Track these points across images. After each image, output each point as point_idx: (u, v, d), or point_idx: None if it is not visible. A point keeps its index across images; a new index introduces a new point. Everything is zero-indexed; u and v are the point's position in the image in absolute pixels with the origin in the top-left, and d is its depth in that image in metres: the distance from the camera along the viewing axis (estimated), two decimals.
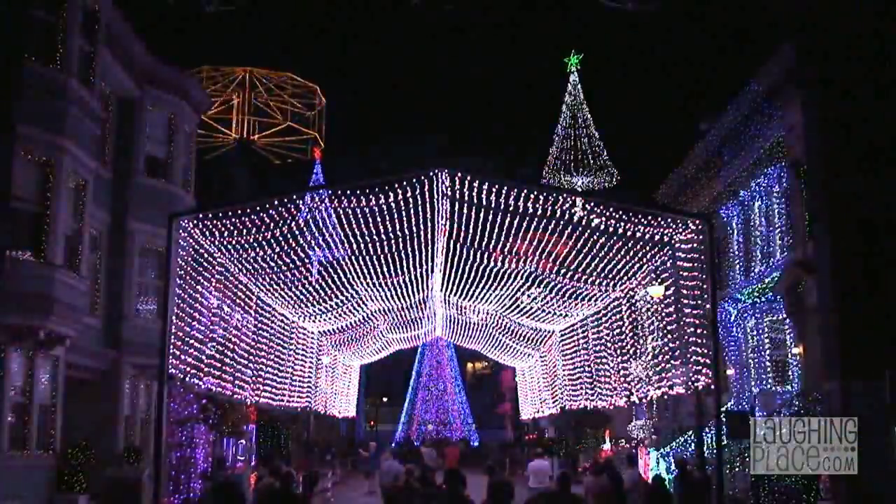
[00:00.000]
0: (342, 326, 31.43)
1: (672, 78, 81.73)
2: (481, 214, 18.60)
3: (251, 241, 18.65)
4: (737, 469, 20.04)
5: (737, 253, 28.31)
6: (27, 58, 18.26)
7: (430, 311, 32.25)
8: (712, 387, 15.32)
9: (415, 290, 26.49)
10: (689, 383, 17.62)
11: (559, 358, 31.50)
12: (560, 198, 17.79)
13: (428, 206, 18.42)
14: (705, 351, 16.39)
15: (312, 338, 31.80)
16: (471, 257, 22.04)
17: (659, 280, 19.36)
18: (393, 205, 17.95)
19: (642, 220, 17.39)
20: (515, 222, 18.71)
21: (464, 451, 50.54)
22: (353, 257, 22.17)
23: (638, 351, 22.87)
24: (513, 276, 23.55)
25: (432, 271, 24.34)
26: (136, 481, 20.46)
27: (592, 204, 17.86)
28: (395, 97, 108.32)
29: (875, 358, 17.54)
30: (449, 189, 17.55)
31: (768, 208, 25.82)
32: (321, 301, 25.79)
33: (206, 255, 18.58)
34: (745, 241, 27.72)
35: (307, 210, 19.93)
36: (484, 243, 20.49)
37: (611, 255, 19.60)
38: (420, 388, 68.93)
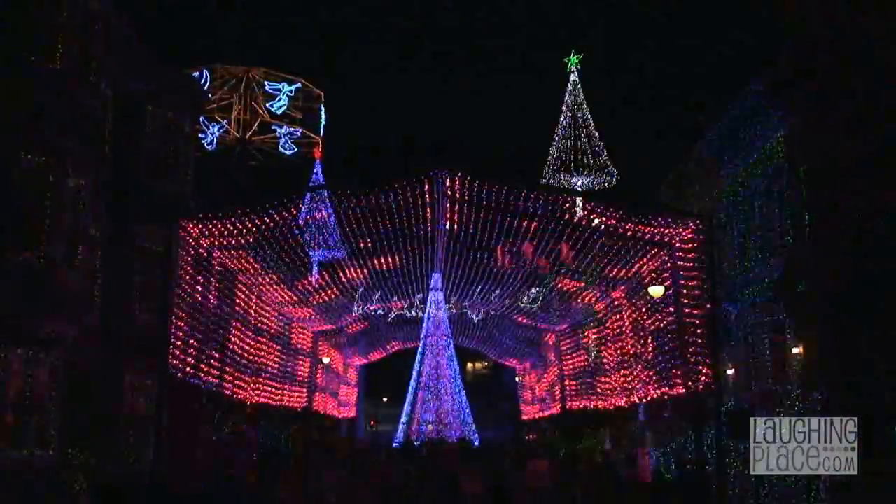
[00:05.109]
0: (342, 326, 31.45)
1: (672, 77, 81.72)
2: (481, 214, 18.61)
3: (251, 241, 18.66)
4: (738, 468, 20.04)
5: (737, 253, 28.30)
6: (27, 58, 18.27)
7: (430, 311, 32.27)
8: (712, 387, 15.33)
9: (415, 290, 26.52)
10: (689, 383, 17.64)
11: (559, 358, 31.51)
12: (560, 198, 17.79)
13: (428, 206, 18.43)
14: (705, 351, 16.39)
15: (312, 338, 31.81)
16: (471, 257, 22.06)
17: (659, 280, 19.37)
18: (393, 205, 17.96)
19: (642, 220, 17.40)
20: (515, 222, 18.73)
21: (464, 451, 50.57)
22: (353, 257, 22.19)
23: (638, 351, 22.87)
24: (513, 276, 23.56)
25: (432, 271, 24.36)
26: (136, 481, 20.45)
27: (592, 204, 17.87)
28: (395, 96, 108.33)
29: (875, 357, 17.53)
30: (449, 189, 17.56)
31: (768, 208, 25.81)
32: (321, 301, 25.80)
33: (206, 255, 18.58)
34: (744, 241, 27.70)
35: (307, 210, 19.92)
36: (484, 243, 20.52)
37: (611, 255, 19.62)
38: (420, 388, 68.91)
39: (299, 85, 47.89)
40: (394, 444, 55.57)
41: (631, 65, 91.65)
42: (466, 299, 27.63)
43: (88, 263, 20.85)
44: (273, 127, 47.95)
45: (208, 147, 47.34)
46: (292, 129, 48.21)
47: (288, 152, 48.56)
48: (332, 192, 18.99)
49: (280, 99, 47.64)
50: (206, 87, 44.38)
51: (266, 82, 47.30)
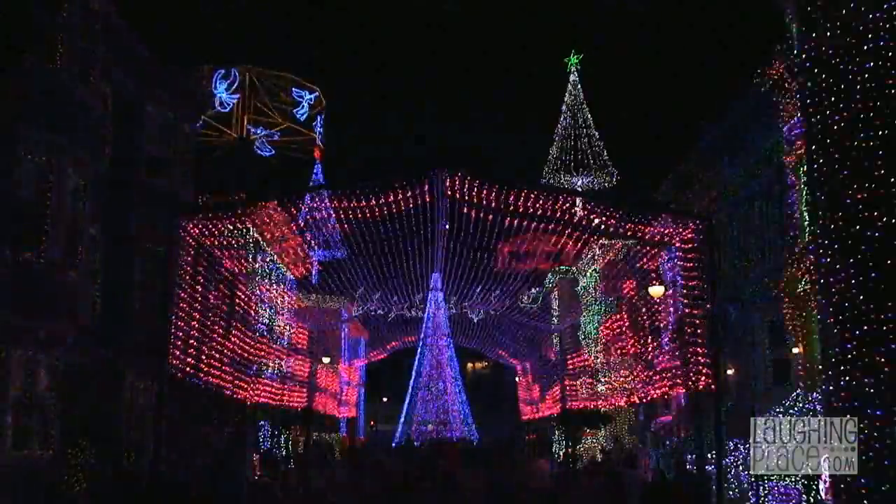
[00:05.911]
0: (342, 326, 31.47)
1: (672, 78, 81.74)
2: (481, 214, 18.61)
3: (251, 240, 18.66)
4: (738, 469, 20.05)
5: (737, 253, 28.31)
6: (27, 58, 18.27)
7: (430, 310, 32.29)
8: (712, 387, 15.33)
9: (415, 290, 26.53)
10: (689, 383, 17.63)
11: (559, 358, 31.53)
12: (560, 198, 17.78)
13: (428, 206, 18.42)
14: (705, 351, 16.38)
15: (313, 337, 31.83)
16: (471, 257, 22.07)
17: (659, 280, 19.37)
18: (393, 205, 17.95)
19: (642, 220, 17.40)
20: (515, 222, 18.73)
21: (464, 451, 50.60)
22: (353, 257, 22.19)
23: (638, 351, 22.87)
24: (513, 276, 23.58)
25: (432, 271, 24.37)
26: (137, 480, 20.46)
27: (592, 204, 17.86)
28: (395, 96, 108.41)
29: (875, 357, 17.52)
30: (449, 189, 17.55)
31: (768, 208, 25.82)
32: (321, 301, 25.82)
33: (206, 255, 18.57)
34: (745, 241, 27.71)
35: (307, 210, 19.93)
36: (484, 243, 20.52)
37: (611, 255, 19.62)
38: (420, 388, 68.94)
39: (318, 93, 47.96)
40: (393, 444, 55.68)
41: (631, 65, 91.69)
42: (466, 299, 27.63)
43: (88, 263, 20.85)
44: (273, 130, 47.95)
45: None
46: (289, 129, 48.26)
47: (266, 154, 48.43)
48: (332, 191, 18.97)
49: (302, 106, 47.72)
50: (227, 86, 44.61)
51: (294, 88, 47.32)
